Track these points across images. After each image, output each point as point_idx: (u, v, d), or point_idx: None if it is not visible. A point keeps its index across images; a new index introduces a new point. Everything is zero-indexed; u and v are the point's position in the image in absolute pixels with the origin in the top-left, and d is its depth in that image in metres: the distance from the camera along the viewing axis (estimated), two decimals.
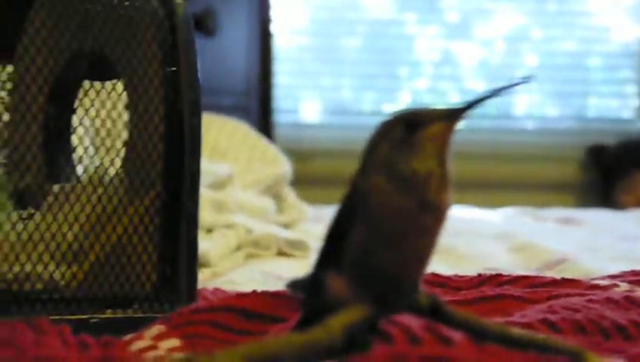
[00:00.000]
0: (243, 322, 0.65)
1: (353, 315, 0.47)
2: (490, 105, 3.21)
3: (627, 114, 3.22)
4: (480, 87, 3.21)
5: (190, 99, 0.74)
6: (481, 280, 0.84)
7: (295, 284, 0.62)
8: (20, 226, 0.71)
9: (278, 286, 0.75)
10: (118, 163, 0.74)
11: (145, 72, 0.74)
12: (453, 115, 0.49)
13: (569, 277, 0.85)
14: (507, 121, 3.19)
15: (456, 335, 0.49)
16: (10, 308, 0.69)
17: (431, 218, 0.47)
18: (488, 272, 0.87)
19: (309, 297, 0.56)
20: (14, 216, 0.72)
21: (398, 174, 0.48)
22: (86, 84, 0.76)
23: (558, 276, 0.85)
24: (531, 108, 3.23)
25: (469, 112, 0.49)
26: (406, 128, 0.49)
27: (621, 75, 3.24)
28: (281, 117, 2.95)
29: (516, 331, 0.48)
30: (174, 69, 0.74)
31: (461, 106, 0.49)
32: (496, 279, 0.84)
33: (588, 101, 3.23)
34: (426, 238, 0.48)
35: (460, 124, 0.49)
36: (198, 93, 0.75)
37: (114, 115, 0.75)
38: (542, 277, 0.85)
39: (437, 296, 0.50)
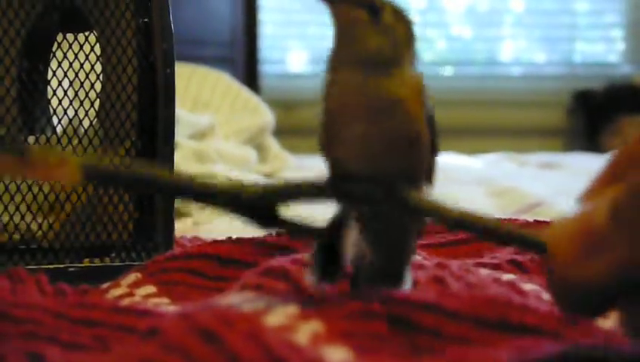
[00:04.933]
0: (217, 268, 0.66)
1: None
2: (477, 52, 3.21)
3: (613, 58, 3.23)
4: (467, 34, 3.22)
5: (163, 49, 0.75)
6: None
7: None
8: None
9: (258, 234, 0.76)
10: (92, 114, 0.75)
11: (117, 23, 0.75)
12: None
13: (543, 219, 0.86)
14: (494, 67, 3.20)
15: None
16: None
17: (335, 91, 0.48)
18: None
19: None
20: None
21: None
22: (59, 36, 0.76)
23: (532, 219, 0.86)
24: (518, 54, 3.24)
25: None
26: None
27: (607, 20, 3.24)
28: (267, 67, 2.95)
29: (478, 218, 0.45)
30: (147, 20, 0.75)
31: None
32: None
33: (574, 46, 3.24)
34: (359, 124, 0.47)
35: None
36: (171, 44, 0.75)
37: (87, 66, 0.75)
38: (515, 219, 0.86)
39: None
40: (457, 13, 3.23)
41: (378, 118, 0.46)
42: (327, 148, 0.48)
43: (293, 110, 2.83)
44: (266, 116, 1.75)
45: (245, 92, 1.86)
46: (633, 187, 0.36)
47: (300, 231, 0.49)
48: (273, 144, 1.73)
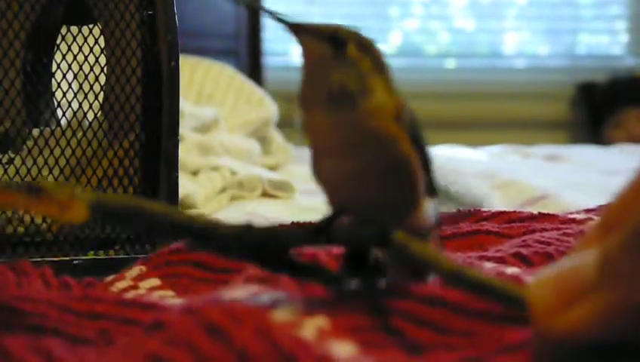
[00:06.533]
0: (222, 260, 0.66)
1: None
2: (480, 44, 3.21)
3: (617, 50, 3.22)
4: (470, 26, 3.21)
5: (167, 41, 0.74)
6: (461, 216, 0.85)
7: None
8: (0, 171, 0.72)
9: (263, 224, 0.76)
10: (97, 106, 0.75)
11: (122, 15, 0.75)
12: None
13: (548, 212, 0.86)
14: (497, 60, 3.19)
15: None
16: None
17: (310, 132, 0.48)
18: (467, 208, 0.88)
19: None
20: None
21: None
22: (63, 28, 0.76)
23: (536, 211, 0.86)
24: (521, 46, 3.23)
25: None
26: None
27: (611, 11, 3.24)
28: (271, 60, 2.95)
29: (471, 272, 0.44)
30: (151, 12, 0.75)
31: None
32: (475, 215, 0.85)
33: (578, 38, 3.23)
34: (324, 158, 0.47)
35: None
36: (175, 36, 0.75)
37: (91, 59, 0.75)
38: (520, 212, 0.86)
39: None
40: (460, 6, 3.22)
41: (358, 153, 0.46)
42: (318, 179, 0.48)
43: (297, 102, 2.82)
44: (270, 109, 1.75)
45: (249, 84, 1.86)
46: (626, 236, 0.33)
47: (310, 274, 0.49)
48: (277, 136, 1.73)
